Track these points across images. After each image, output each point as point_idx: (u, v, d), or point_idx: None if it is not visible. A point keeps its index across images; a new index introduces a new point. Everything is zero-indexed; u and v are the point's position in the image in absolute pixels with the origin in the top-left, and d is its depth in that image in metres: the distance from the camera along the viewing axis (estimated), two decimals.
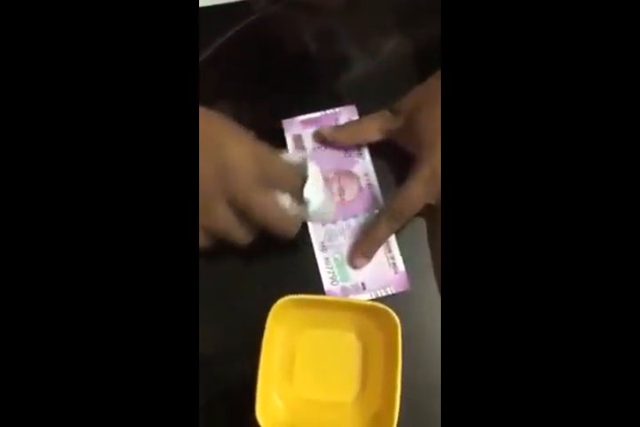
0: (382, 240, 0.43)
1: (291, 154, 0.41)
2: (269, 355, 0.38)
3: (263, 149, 0.38)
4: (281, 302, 0.39)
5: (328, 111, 0.46)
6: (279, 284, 0.43)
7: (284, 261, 0.44)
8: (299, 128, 0.46)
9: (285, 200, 0.39)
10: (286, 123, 0.46)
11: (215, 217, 0.37)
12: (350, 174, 0.45)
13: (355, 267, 0.43)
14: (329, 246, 0.44)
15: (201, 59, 0.48)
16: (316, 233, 0.44)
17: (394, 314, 0.38)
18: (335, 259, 0.44)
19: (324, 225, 0.44)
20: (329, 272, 0.44)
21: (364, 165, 0.45)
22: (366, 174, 0.45)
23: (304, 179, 0.39)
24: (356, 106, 0.46)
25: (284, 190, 0.38)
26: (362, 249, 0.43)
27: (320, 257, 0.44)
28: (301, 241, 0.44)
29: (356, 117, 0.46)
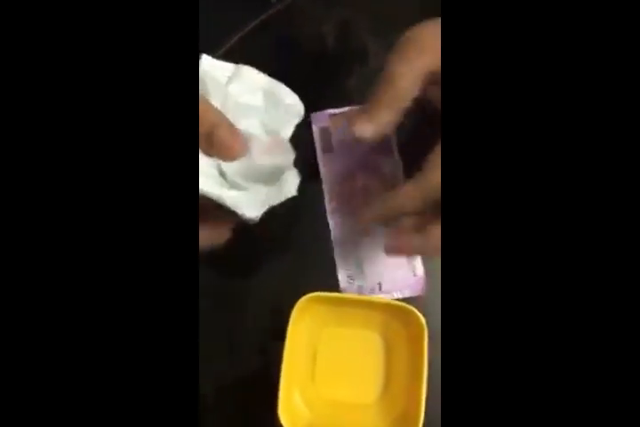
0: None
1: None
2: (292, 353, 0.37)
3: None
4: (305, 298, 0.38)
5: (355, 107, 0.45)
6: (294, 280, 0.42)
7: (301, 258, 0.43)
8: (327, 121, 0.45)
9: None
10: (315, 116, 0.45)
11: None
12: (376, 171, 0.44)
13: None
14: (347, 243, 0.43)
15: (220, 52, 0.47)
16: (335, 229, 0.43)
17: (420, 314, 0.38)
18: (354, 257, 0.43)
19: (343, 218, 0.43)
20: (347, 270, 0.43)
21: (391, 162, 0.44)
22: (393, 172, 0.44)
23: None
24: None
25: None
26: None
27: (338, 254, 0.43)
28: (320, 237, 0.43)
29: None
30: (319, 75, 0.47)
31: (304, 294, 0.38)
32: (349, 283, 0.43)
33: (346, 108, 0.45)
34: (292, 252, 0.43)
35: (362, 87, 0.45)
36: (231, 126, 0.30)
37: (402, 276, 0.43)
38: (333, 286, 0.43)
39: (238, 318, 0.42)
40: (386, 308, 0.39)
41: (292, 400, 0.38)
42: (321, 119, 0.45)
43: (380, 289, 0.43)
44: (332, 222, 0.44)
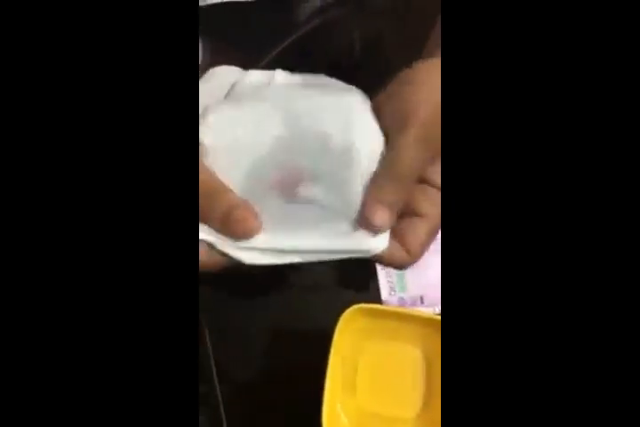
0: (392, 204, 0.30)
1: None
2: (336, 363, 0.37)
3: None
4: (351, 310, 0.37)
5: None
6: (335, 291, 0.42)
7: (342, 268, 0.43)
8: None
9: None
10: None
11: None
12: None
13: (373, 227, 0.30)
14: None
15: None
16: None
17: None
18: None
19: None
20: (388, 282, 0.43)
21: None
22: None
23: None
24: None
25: None
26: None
27: (380, 266, 0.43)
28: None
29: None
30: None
31: (345, 304, 0.38)
32: (391, 295, 0.42)
33: None
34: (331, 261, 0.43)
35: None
36: (247, 205, 0.28)
37: None
38: (374, 297, 0.42)
39: (278, 327, 0.42)
40: (430, 322, 0.38)
41: (333, 412, 0.37)
42: None
43: (422, 302, 0.42)
44: None
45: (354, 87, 0.31)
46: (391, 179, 0.29)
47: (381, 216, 0.29)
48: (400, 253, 0.29)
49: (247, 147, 0.28)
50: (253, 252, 0.28)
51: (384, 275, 0.43)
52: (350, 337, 0.38)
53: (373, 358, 0.39)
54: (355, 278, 0.43)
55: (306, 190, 0.28)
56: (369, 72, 0.44)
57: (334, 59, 0.45)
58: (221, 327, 0.42)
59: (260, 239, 0.27)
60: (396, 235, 0.30)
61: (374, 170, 0.29)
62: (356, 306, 0.37)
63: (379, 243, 0.29)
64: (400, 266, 0.30)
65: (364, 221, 0.29)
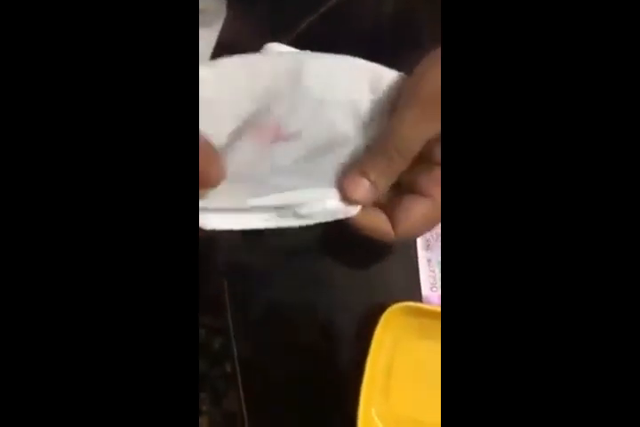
0: (377, 179, 0.28)
1: None
2: (375, 364, 0.34)
3: None
4: (394, 308, 0.34)
5: None
6: (374, 286, 0.38)
7: (382, 262, 0.39)
8: None
9: None
10: None
11: None
12: None
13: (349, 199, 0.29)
14: (434, 246, 0.38)
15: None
16: None
17: None
18: (438, 262, 0.38)
19: None
20: (430, 276, 0.38)
21: None
22: None
23: None
24: None
25: None
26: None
27: (422, 257, 0.38)
28: (404, 241, 0.38)
29: None
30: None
31: (385, 301, 0.35)
32: (432, 291, 0.38)
33: None
34: (373, 256, 0.39)
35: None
36: (209, 151, 0.26)
37: None
38: (415, 293, 0.38)
39: (315, 321, 0.39)
40: None
41: (368, 416, 0.35)
42: None
43: None
44: None
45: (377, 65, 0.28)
46: (381, 154, 0.27)
47: (360, 190, 0.27)
48: (385, 227, 0.28)
49: (239, 97, 0.26)
50: (212, 214, 0.27)
51: (425, 267, 0.38)
52: (390, 336, 0.35)
53: (410, 359, 0.36)
54: (394, 272, 0.38)
55: (282, 148, 0.27)
56: (398, 46, 0.41)
57: (362, 32, 0.42)
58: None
59: (220, 198, 0.26)
60: (387, 208, 0.29)
61: (366, 142, 0.28)
62: (399, 304, 0.34)
63: (348, 209, 0.28)
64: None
65: (341, 191, 0.28)
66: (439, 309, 0.36)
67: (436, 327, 0.35)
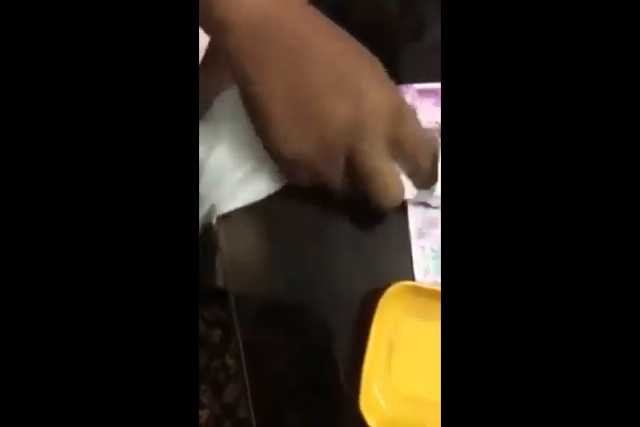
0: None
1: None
2: (375, 343, 0.35)
3: (405, 106, 0.32)
4: (397, 286, 0.35)
5: None
6: (367, 271, 0.39)
7: (375, 247, 0.39)
8: (414, 97, 0.40)
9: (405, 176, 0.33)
10: (400, 89, 0.41)
11: (325, 168, 0.32)
12: None
13: None
14: (427, 234, 0.39)
15: None
16: (414, 218, 0.39)
17: None
18: (432, 249, 0.39)
19: (426, 209, 0.39)
20: (422, 263, 0.39)
21: None
22: None
23: (434, 156, 0.33)
24: None
25: (406, 163, 0.33)
26: None
27: (415, 245, 0.39)
28: (397, 225, 0.39)
29: None
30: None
31: (377, 285, 0.36)
32: (425, 278, 0.39)
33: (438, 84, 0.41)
34: (366, 241, 0.40)
35: (413, 62, 0.41)
36: None
37: None
38: (408, 278, 0.39)
39: (309, 303, 0.40)
40: None
41: (371, 393, 0.35)
42: (407, 94, 0.41)
43: None
44: (410, 208, 0.39)
45: None
46: None
47: None
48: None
49: None
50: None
51: (419, 254, 0.39)
52: (392, 316, 0.36)
53: (411, 339, 0.37)
54: (388, 259, 0.39)
55: None
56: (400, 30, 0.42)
57: (365, 16, 0.43)
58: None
59: None
60: None
61: None
62: (402, 283, 0.35)
63: None
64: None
65: None
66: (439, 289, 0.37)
67: (436, 307, 0.36)
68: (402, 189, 0.34)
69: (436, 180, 0.33)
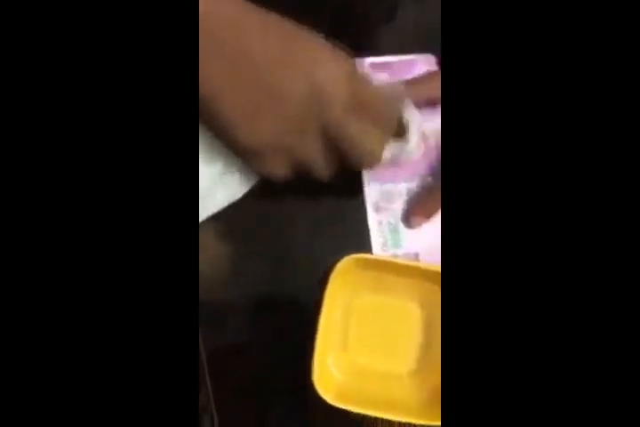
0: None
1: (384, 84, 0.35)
2: (328, 316, 0.35)
3: (358, 70, 0.32)
4: (346, 260, 0.35)
5: (403, 57, 0.41)
6: (326, 244, 0.40)
7: (333, 221, 0.40)
8: (368, 71, 0.41)
9: (378, 133, 0.33)
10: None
11: (303, 147, 0.32)
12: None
13: (410, 226, 0.39)
14: (384, 209, 0.41)
15: None
16: (370, 192, 0.41)
17: None
18: (389, 223, 0.40)
19: (382, 184, 0.41)
20: (380, 237, 0.40)
21: (437, 123, 0.41)
22: (438, 134, 0.41)
23: (399, 112, 0.34)
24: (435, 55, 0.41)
25: (377, 122, 0.33)
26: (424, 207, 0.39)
27: (372, 219, 0.40)
28: (354, 200, 0.40)
29: (434, 69, 0.41)
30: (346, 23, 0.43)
31: (335, 258, 0.36)
32: (383, 251, 0.40)
33: (391, 58, 0.41)
34: (324, 216, 0.40)
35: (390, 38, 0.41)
36: None
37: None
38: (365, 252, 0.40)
39: (272, 274, 0.40)
40: (429, 275, 0.36)
41: (325, 367, 0.36)
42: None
43: (417, 260, 0.40)
44: (366, 183, 0.41)
45: None
46: None
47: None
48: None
49: None
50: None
51: (376, 228, 0.40)
52: (344, 289, 0.36)
53: (367, 312, 0.37)
54: (345, 230, 0.40)
55: None
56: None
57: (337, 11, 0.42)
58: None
59: None
60: None
61: None
62: (351, 256, 0.35)
63: None
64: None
65: None
66: (393, 260, 0.37)
67: (391, 280, 0.37)
68: (384, 147, 0.34)
69: (408, 129, 0.34)
